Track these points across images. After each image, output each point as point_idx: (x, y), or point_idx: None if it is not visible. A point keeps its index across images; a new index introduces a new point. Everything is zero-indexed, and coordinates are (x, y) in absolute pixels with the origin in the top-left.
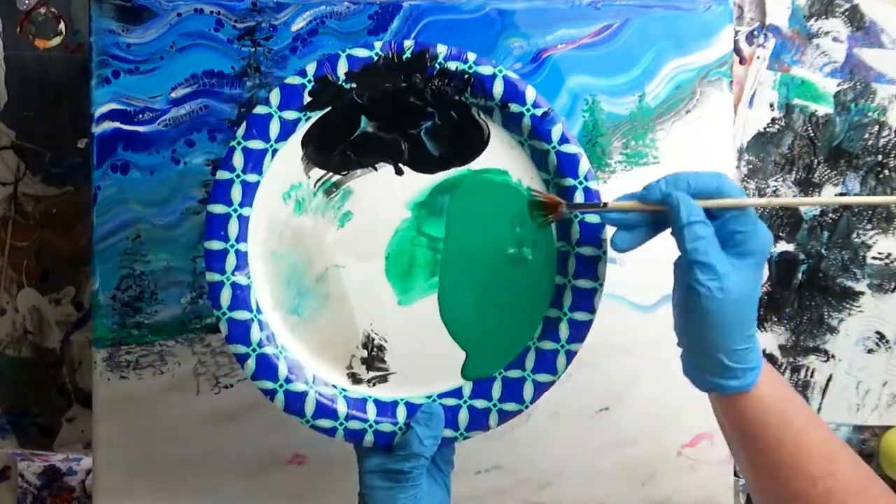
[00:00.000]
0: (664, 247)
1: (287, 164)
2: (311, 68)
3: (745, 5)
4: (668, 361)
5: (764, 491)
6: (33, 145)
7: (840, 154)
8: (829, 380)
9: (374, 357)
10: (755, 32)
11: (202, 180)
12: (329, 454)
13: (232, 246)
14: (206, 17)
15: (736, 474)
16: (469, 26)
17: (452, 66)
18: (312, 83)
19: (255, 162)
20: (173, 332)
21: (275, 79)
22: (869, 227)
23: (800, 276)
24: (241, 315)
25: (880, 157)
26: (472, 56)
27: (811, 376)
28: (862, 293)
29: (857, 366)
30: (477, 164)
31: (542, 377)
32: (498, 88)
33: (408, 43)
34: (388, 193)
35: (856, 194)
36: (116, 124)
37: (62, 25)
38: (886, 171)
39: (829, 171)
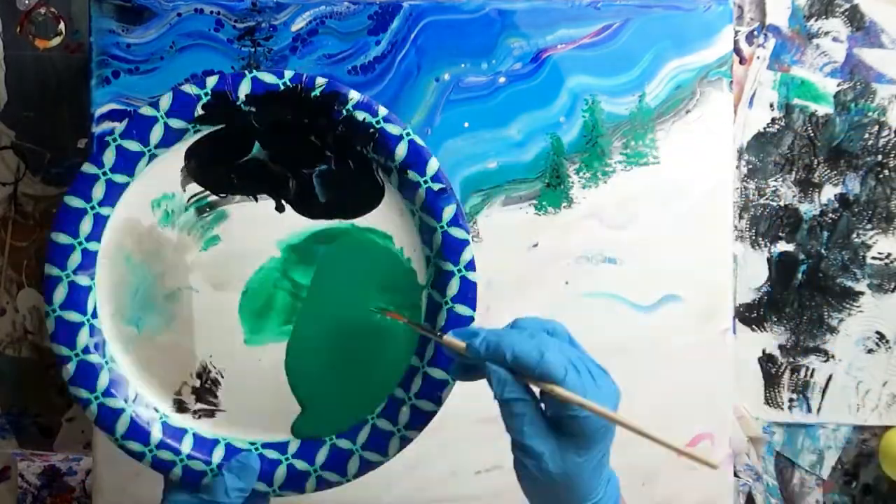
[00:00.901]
0: (664, 247)
1: (165, 172)
2: (211, 80)
3: (745, 5)
4: (668, 361)
5: None
6: (33, 145)
7: (840, 154)
8: (829, 380)
9: (206, 389)
10: (755, 32)
11: None
12: None
13: (80, 243)
14: (206, 17)
15: (736, 474)
16: (469, 26)
17: (360, 116)
18: (209, 97)
19: (127, 163)
20: None
21: None
22: (869, 227)
23: (800, 276)
24: (72, 316)
25: (880, 157)
26: (382, 111)
27: (811, 376)
28: (862, 293)
29: (857, 366)
30: (362, 222)
31: (371, 456)
32: (401, 151)
33: (320, 80)
34: (262, 227)
35: (855, 195)
36: (116, 124)
37: (62, 25)
38: (886, 171)
39: (828, 171)
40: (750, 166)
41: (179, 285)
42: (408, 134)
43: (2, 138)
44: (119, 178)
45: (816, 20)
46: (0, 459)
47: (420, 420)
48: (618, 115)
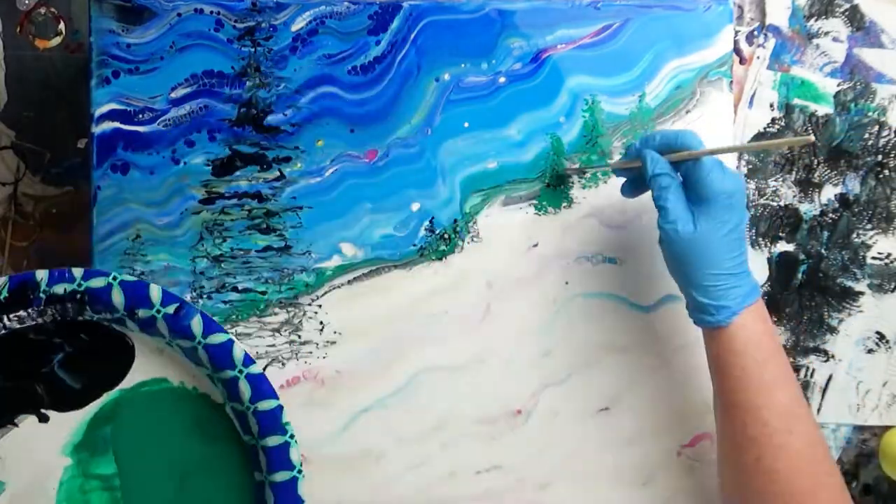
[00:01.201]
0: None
1: None
2: None
3: (745, 5)
4: (668, 361)
5: (725, 434)
6: (33, 145)
7: (840, 154)
8: (829, 380)
9: None
10: (755, 32)
11: (202, 180)
12: (329, 454)
13: None
14: (206, 17)
15: None
16: (469, 26)
17: (60, 289)
18: None
19: None
20: None
21: (275, 79)
22: (869, 227)
23: (800, 276)
24: None
25: (880, 157)
26: (78, 272)
27: (811, 376)
28: (862, 293)
29: (857, 366)
30: (129, 381)
31: None
32: (118, 298)
33: (1, 281)
34: (38, 446)
35: (855, 195)
36: (116, 124)
37: (62, 25)
38: (886, 171)
39: (828, 171)
40: (750, 166)
41: None
42: (115, 279)
43: (2, 138)
44: None
45: (816, 20)
46: None
47: None
48: (618, 115)
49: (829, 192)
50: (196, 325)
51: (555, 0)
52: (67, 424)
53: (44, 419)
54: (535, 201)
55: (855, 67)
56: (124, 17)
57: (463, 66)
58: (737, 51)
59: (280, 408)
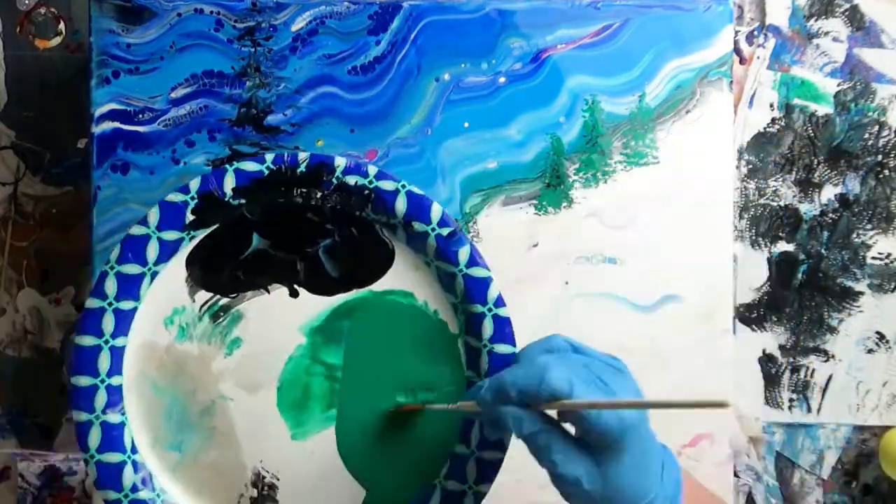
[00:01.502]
0: (664, 247)
1: (169, 286)
2: (194, 184)
3: (745, 5)
4: (668, 361)
5: None
6: (33, 145)
7: (840, 154)
8: (829, 380)
9: (265, 497)
10: (755, 32)
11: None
12: None
13: (102, 381)
14: (206, 17)
15: (736, 474)
16: (469, 26)
17: (351, 180)
18: (196, 200)
19: (130, 287)
20: None
21: (275, 79)
22: (869, 227)
23: (800, 276)
24: (112, 458)
25: (880, 157)
26: (372, 170)
27: (811, 376)
28: (862, 293)
29: (857, 366)
30: (380, 286)
31: None
32: (401, 205)
33: (303, 156)
34: (281, 318)
35: (855, 195)
36: (116, 124)
37: (62, 25)
38: (886, 171)
39: (828, 171)
40: (750, 166)
41: (212, 398)
42: (403, 186)
43: (2, 138)
44: (125, 305)
45: (816, 20)
46: (0, 459)
47: (489, 472)
48: (618, 115)
49: (829, 192)
50: (463, 253)
51: (555, 0)
52: (313, 307)
53: (294, 294)
54: (535, 201)
55: (855, 67)
56: (124, 17)
57: (463, 66)
58: (737, 51)
59: (513, 356)
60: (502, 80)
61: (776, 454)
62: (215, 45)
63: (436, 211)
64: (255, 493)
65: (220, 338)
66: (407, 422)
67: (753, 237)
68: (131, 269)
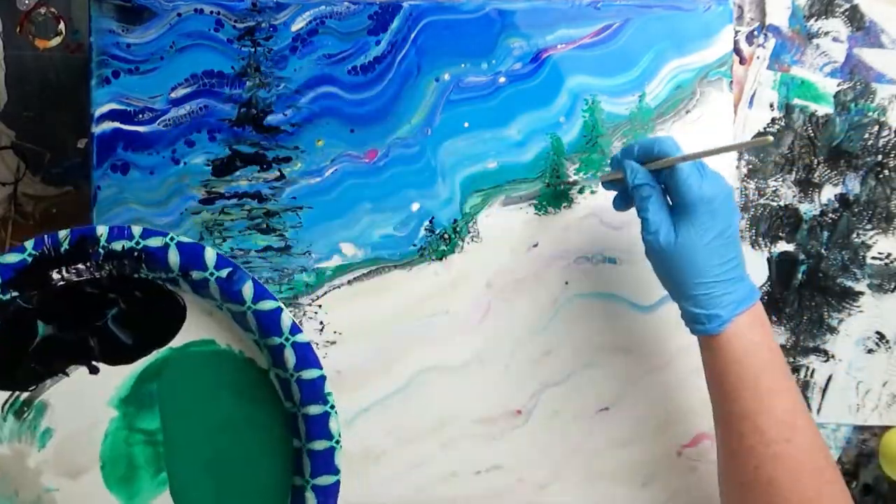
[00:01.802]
0: None
1: None
2: None
3: (745, 5)
4: (668, 361)
5: (723, 443)
6: (33, 145)
7: (840, 154)
8: (828, 380)
9: None
10: (755, 32)
11: (202, 180)
12: None
13: None
14: (206, 17)
15: None
16: (469, 26)
17: (118, 245)
18: None
19: None
20: None
21: (275, 79)
22: (869, 227)
23: (800, 276)
24: None
25: (880, 157)
26: (137, 230)
27: (811, 376)
28: (862, 293)
29: (857, 366)
30: (179, 341)
31: None
32: (173, 258)
33: (62, 233)
34: (87, 397)
35: (855, 195)
36: (116, 124)
37: (62, 25)
38: (886, 171)
39: (828, 171)
40: (750, 166)
41: (37, 493)
42: (172, 239)
43: (2, 138)
44: None
45: (816, 20)
46: None
47: (328, 497)
48: (618, 115)
49: (829, 192)
50: (247, 290)
51: (555, 0)
52: (116, 378)
53: (94, 371)
54: (535, 201)
55: (855, 67)
56: (124, 17)
57: (463, 66)
58: (737, 51)
59: (323, 378)
60: (502, 80)
61: None
62: (215, 45)
63: (210, 256)
64: None
65: (30, 432)
66: (239, 463)
67: (753, 237)
68: None
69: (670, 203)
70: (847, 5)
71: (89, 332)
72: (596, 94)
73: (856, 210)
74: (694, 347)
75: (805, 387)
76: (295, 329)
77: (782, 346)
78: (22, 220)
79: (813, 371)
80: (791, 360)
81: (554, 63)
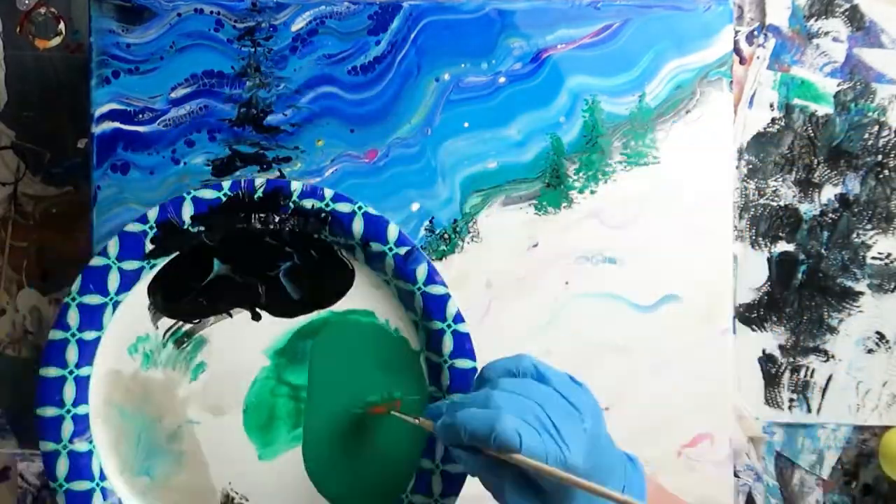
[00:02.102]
0: (664, 247)
1: (132, 315)
2: (152, 213)
3: (745, 5)
4: (668, 361)
5: None
6: (33, 145)
7: (840, 154)
8: (828, 380)
9: None
10: (755, 32)
11: (202, 180)
12: None
13: (68, 411)
14: (206, 17)
15: (736, 474)
16: (469, 26)
17: (308, 203)
18: (155, 230)
19: (92, 318)
20: None
21: (275, 79)
22: (869, 227)
23: (800, 276)
24: (80, 486)
25: (880, 157)
26: (328, 193)
27: (811, 376)
28: (862, 293)
29: (856, 366)
30: (341, 306)
31: None
32: (357, 227)
33: (259, 181)
34: (244, 341)
35: (855, 195)
36: (116, 124)
37: (62, 25)
38: (886, 172)
39: (828, 171)
40: (750, 166)
41: (179, 422)
42: (360, 208)
43: (2, 138)
44: (89, 335)
45: (816, 20)
46: (0, 459)
47: (453, 485)
48: (618, 115)
49: (829, 192)
50: (421, 271)
51: (555, 0)
52: (275, 329)
53: (256, 318)
54: (535, 201)
55: (855, 67)
56: (124, 17)
57: (463, 66)
58: (737, 51)
59: (475, 370)
60: (502, 80)
61: (776, 454)
62: (215, 45)
63: (392, 231)
64: None
65: (185, 363)
66: (373, 437)
67: (753, 237)
68: (93, 299)
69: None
70: (847, 5)
71: (261, 280)
72: (596, 94)
73: (856, 210)
74: (694, 347)
75: (805, 387)
76: (458, 318)
77: (782, 346)
78: (22, 220)
79: (813, 371)
80: (791, 360)
81: (554, 63)
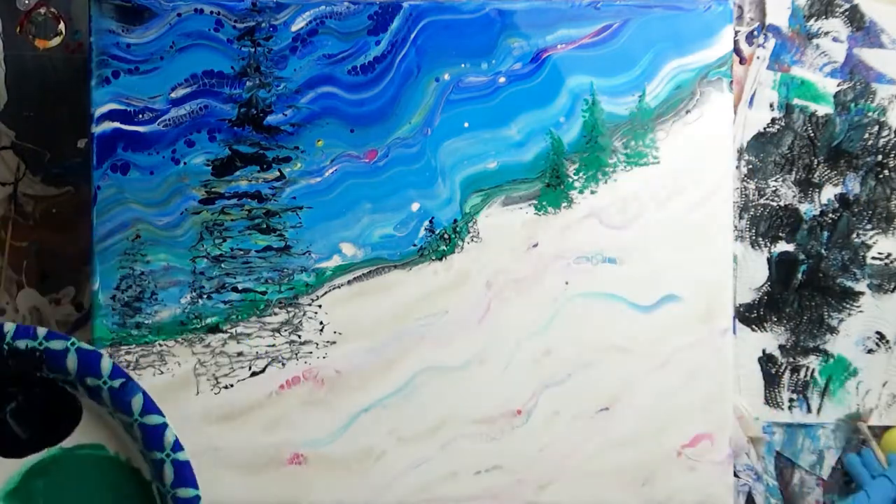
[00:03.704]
0: (664, 247)
1: None
2: None
3: (745, 5)
4: (668, 361)
5: None
6: (33, 145)
7: (840, 154)
8: (829, 380)
9: None
10: (755, 32)
11: (202, 180)
12: (329, 454)
13: None
14: (206, 17)
15: (736, 474)
16: (469, 26)
17: (22, 344)
18: None
19: None
20: (173, 332)
21: (275, 79)
22: (869, 227)
23: (800, 276)
24: None
25: (880, 157)
26: (41, 331)
27: (811, 376)
28: (862, 293)
29: (856, 366)
30: (71, 441)
31: None
32: (71, 363)
33: None
34: None
35: (855, 195)
36: (116, 124)
37: (62, 25)
38: (886, 172)
39: (828, 171)
40: (750, 166)
41: None
42: (73, 344)
43: (2, 138)
44: None
45: (816, 20)
46: None
47: None
48: (618, 115)
49: (829, 192)
50: (136, 402)
51: (555, 0)
52: (5, 471)
53: None
54: (535, 201)
55: (855, 67)
56: (124, 17)
57: (463, 66)
58: (737, 51)
59: (198, 498)
60: (502, 80)
61: (776, 454)
62: (215, 45)
63: (105, 365)
64: None
65: None
66: None
67: (753, 237)
68: None
69: None
70: (847, 5)
71: None
72: (596, 94)
73: (856, 210)
74: (694, 346)
75: (805, 387)
76: (177, 446)
77: (782, 346)
78: (22, 220)
79: (813, 371)
80: (791, 360)
81: (554, 63)
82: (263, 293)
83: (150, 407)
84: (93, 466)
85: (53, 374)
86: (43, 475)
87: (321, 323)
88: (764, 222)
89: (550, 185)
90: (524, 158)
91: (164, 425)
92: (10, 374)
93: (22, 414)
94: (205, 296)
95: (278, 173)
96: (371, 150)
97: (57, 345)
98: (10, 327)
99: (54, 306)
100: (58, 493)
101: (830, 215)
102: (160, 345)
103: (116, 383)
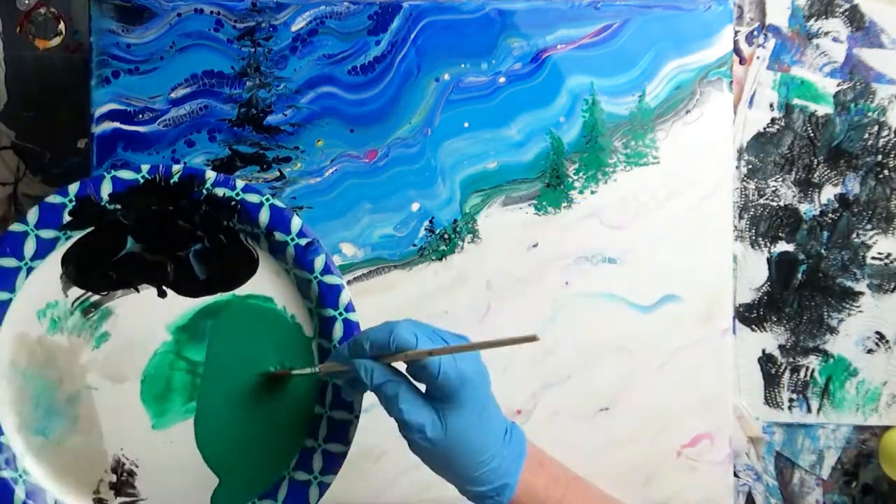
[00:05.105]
0: (664, 247)
1: (44, 281)
2: (73, 188)
3: (745, 5)
4: (668, 361)
5: None
6: (33, 145)
7: (840, 154)
8: (829, 380)
9: (123, 482)
10: (755, 32)
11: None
12: None
13: None
14: (206, 17)
15: (736, 474)
16: (469, 26)
17: (220, 192)
18: (73, 203)
19: (5, 279)
20: None
21: (275, 79)
22: (869, 227)
23: (799, 276)
24: None
25: (880, 157)
26: (240, 183)
27: (811, 376)
28: (862, 293)
29: (857, 366)
30: (243, 290)
31: None
32: (263, 217)
33: (176, 167)
34: (149, 315)
35: (855, 195)
36: (116, 124)
37: (62, 25)
38: (886, 172)
39: (828, 171)
40: (750, 166)
41: (78, 387)
42: (267, 199)
43: (2, 138)
44: (1, 297)
45: (816, 20)
46: None
47: (333, 463)
48: (618, 115)
49: (829, 192)
50: (319, 261)
51: (555, 0)
52: (179, 306)
53: (162, 294)
54: (535, 201)
55: (855, 67)
56: (124, 17)
57: (463, 66)
58: (737, 51)
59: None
60: (502, 80)
61: (776, 454)
62: (215, 45)
63: (296, 223)
64: (114, 478)
65: (90, 332)
66: (261, 416)
67: (753, 237)
68: (8, 262)
69: (423, 390)
70: (847, 5)
71: (170, 258)
72: (596, 94)
73: (856, 210)
74: (694, 346)
75: (805, 387)
76: (350, 307)
77: (782, 346)
78: None
79: (813, 371)
80: (791, 359)
81: (554, 63)
82: None
83: (330, 268)
84: (258, 316)
85: (242, 224)
86: (212, 316)
87: None
88: (764, 222)
89: (550, 185)
90: (524, 158)
91: (341, 286)
92: (201, 219)
93: (204, 257)
94: None
95: (278, 173)
96: (371, 150)
97: (253, 198)
98: (211, 175)
99: None
100: (223, 334)
101: (830, 215)
102: None
103: (303, 241)
